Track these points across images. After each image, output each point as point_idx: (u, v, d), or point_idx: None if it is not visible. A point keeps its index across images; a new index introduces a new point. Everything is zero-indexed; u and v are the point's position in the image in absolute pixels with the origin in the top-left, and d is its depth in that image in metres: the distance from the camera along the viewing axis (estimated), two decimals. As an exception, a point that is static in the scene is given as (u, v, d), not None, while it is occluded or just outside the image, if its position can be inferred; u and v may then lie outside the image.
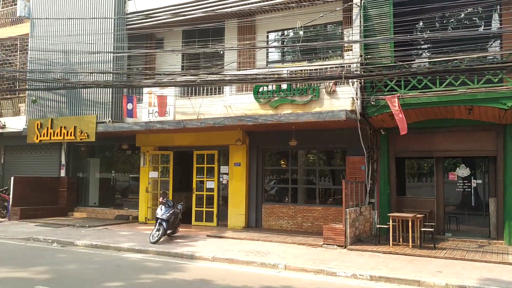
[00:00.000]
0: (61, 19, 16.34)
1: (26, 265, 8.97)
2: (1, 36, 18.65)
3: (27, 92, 17.29)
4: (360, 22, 12.11)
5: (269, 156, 15.19)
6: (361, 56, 11.90)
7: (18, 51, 18.34)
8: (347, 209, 11.01)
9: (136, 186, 16.71)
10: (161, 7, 14.84)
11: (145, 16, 15.27)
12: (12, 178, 16.68)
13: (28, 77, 17.00)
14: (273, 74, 12.56)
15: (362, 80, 11.73)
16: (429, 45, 13.23)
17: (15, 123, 18.06)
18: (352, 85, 11.76)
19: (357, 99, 11.72)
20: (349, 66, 11.95)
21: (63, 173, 18.12)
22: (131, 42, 15.75)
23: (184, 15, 14.42)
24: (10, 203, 16.53)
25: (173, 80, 13.63)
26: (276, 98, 12.65)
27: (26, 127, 16.88)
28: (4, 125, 18.34)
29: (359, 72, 11.64)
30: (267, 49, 14.59)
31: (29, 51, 17.29)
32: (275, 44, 14.91)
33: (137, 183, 16.54)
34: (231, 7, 13.79)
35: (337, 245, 10.88)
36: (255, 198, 14.41)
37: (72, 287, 7.24)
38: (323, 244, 11.09)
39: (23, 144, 17.61)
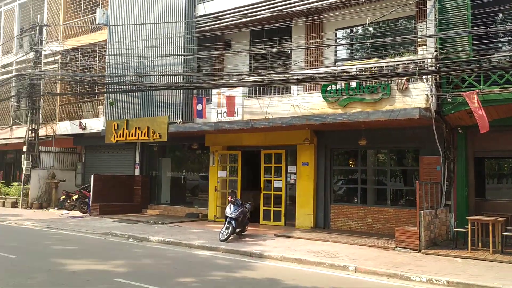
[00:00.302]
0: (135, 24, 17.12)
1: (105, 259, 9.48)
2: (82, 43, 19.89)
3: (105, 95, 18.32)
4: (435, 15, 11.57)
5: (337, 156, 14.94)
6: (436, 51, 11.36)
7: (97, 56, 19.45)
8: (422, 211, 10.55)
9: (205, 184, 17.10)
10: (229, 9, 15.09)
11: (214, 18, 15.60)
12: (92, 176, 17.73)
13: (106, 81, 17.99)
14: (342, 72, 12.33)
15: (438, 76, 11.19)
16: (510, 38, 12.34)
17: (95, 124, 19.18)
18: (427, 82, 11.24)
19: (431, 96, 11.19)
20: (423, 61, 11.43)
21: (137, 171, 18.98)
22: (200, 44, 16.15)
23: (252, 16, 14.56)
24: (91, 199, 17.58)
25: (241, 81, 13.83)
26: (345, 97, 12.39)
27: (104, 128, 17.85)
28: (85, 127, 19.53)
29: (434, 67, 11.11)
30: (335, 47, 14.36)
31: (107, 56, 18.30)
32: (344, 41, 14.63)
33: (206, 182, 16.93)
34: (299, 6, 13.70)
35: (410, 249, 10.46)
36: (323, 198, 14.23)
37: (148, 281, 7.53)
38: (396, 247, 10.70)
39: (102, 144, 18.63)
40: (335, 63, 14.02)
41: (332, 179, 14.52)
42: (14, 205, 20.51)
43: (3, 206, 20.86)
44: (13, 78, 21.56)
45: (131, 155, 19.27)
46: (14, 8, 24.02)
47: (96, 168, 20.06)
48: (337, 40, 14.43)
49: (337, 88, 12.47)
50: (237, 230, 12.11)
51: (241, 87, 14.09)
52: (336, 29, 14.42)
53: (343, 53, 14.73)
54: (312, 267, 9.25)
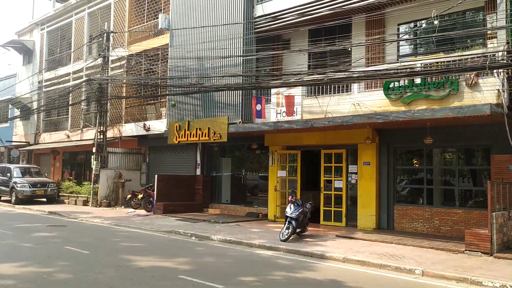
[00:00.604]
0: (195, 28, 17.52)
1: (169, 256, 9.76)
2: (146, 48, 20.65)
3: (167, 97, 18.89)
4: (506, 5, 10.88)
5: (400, 155, 14.44)
6: (507, 43, 10.68)
7: (160, 60, 20.10)
8: (493, 213, 9.95)
9: (264, 184, 17.16)
10: (288, 8, 15.05)
11: (272, 18, 15.63)
12: (156, 175, 18.33)
13: (168, 84, 18.54)
14: (405, 69, 11.89)
15: (510, 70, 10.51)
16: None
17: (158, 126, 19.84)
18: (498, 76, 10.59)
19: (503, 91, 10.54)
20: (494, 55, 10.78)
21: (198, 171, 19.39)
22: (259, 45, 16.22)
23: (310, 14, 14.43)
24: (155, 198, 18.19)
25: (300, 80, 13.71)
26: (409, 94, 11.96)
27: (166, 129, 18.42)
28: (149, 128, 20.24)
29: (505, 61, 10.44)
30: (398, 43, 13.88)
31: (169, 60, 18.87)
32: (407, 36, 14.11)
33: (265, 182, 16.97)
34: (359, 2, 13.41)
35: (481, 252, 9.90)
36: (386, 198, 13.81)
37: (211, 279, 7.65)
38: (465, 250, 10.17)
39: (164, 144, 19.23)
40: (397, 59, 13.57)
41: (396, 179, 14.05)
42: (85, 203, 21.67)
43: (75, 204, 22.12)
44: (83, 83, 22.80)
45: (193, 155, 19.71)
46: (84, 17, 25.39)
47: (160, 168, 20.68)
48: (400, 35, 13.95)
49: (400, 85, 12.08)
50: (298, 230, 12.03)
51: (300, 87, 13.99)
52: (399, 24, 13.95)
53: (406, 48, 14.23)
54: (376, 269, 8.99)
